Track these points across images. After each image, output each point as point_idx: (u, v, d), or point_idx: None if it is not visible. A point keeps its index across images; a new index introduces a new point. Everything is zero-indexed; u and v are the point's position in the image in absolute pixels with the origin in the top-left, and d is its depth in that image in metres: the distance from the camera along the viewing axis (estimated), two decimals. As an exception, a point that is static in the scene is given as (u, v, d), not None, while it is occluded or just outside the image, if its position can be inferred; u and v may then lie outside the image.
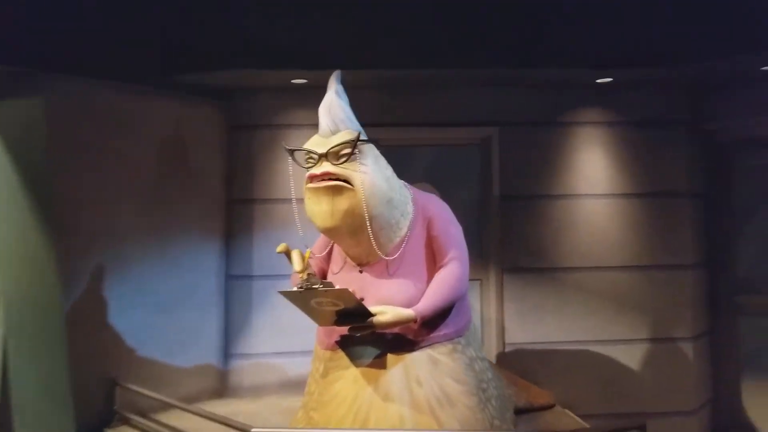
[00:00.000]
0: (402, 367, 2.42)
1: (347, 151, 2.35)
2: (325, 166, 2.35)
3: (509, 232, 4.08)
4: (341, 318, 2.33)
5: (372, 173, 2.38)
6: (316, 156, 2.39)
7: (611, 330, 4.13)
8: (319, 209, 2.34)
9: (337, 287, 2.27)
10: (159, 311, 3.60)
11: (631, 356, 4.16)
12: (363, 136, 2.39)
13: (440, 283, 2.48)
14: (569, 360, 4.10)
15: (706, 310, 4.39)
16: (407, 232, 2.48)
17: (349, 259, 2.56)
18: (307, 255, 2.40)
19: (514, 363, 3.98)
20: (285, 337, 3.90)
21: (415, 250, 2.51)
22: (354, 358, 2.48)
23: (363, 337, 2.40)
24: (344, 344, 2.50)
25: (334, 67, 3.50)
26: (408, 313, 2.34)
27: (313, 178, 2.37)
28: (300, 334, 3.75)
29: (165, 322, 3.62)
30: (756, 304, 4.31)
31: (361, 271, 2.51)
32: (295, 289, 2.32)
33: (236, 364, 3.94)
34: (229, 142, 4.06)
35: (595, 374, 4.10)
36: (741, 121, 4.24)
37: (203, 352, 3.84)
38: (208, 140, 3.97)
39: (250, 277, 3.94)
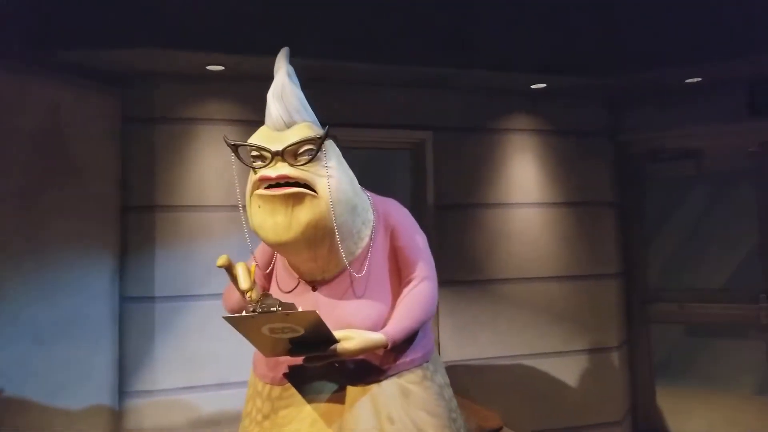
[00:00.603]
0: (369, 402, 2.01)
1: (307, 148, 1.90)
2: (282, 168, 1.88)
3: (444, 243, 3.81)
4: (297, 346, 1.89)
5: (338, 176, 1.96)
6: (269, 154, 1.91)
7: (544, 342, 4.02)
8: (273, 221, 1.87)
9: (300, 309, 1.82)
10: (37, 344, 2.88)
11: (563, 368, 4.08)
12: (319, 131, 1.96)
13: (411, 302, 2.09)
14: (504, 376, 3.92)
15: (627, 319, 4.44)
16: (369, 243, 2.08)
17: (299, 277, 2.10)
18: (252, 269, 1.92)
19: (451, 383, 3.69)
20: (195, 369, 3.32)
21: (378, 264, 2.12)
22: (309, 394, 2.03)
23: (320, 368, 1.96)
24: (295, 377, 2.04)
25: (257, 53, 3.05)
26: (378, 337, 1.94)
27: (263, 182, 1.89)
28: (214, 364, 3.23)
29: (45, 356, 2.91)
30: (665, 311, 4.42)
31: (314, 289, 2.06)
32: (245, 314, 1.82)
33: (134, 403, 3.27)
34: (123, 137, 3.39)
35: (531, 390, 3.96)
36: (652, 133, 4.35)
37: (94, 391, 3.14)
38: (97, 134, 3.27)
39: (152, 299, 3.29)
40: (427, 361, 2.17)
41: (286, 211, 1.85)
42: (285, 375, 2.05)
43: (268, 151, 1.89)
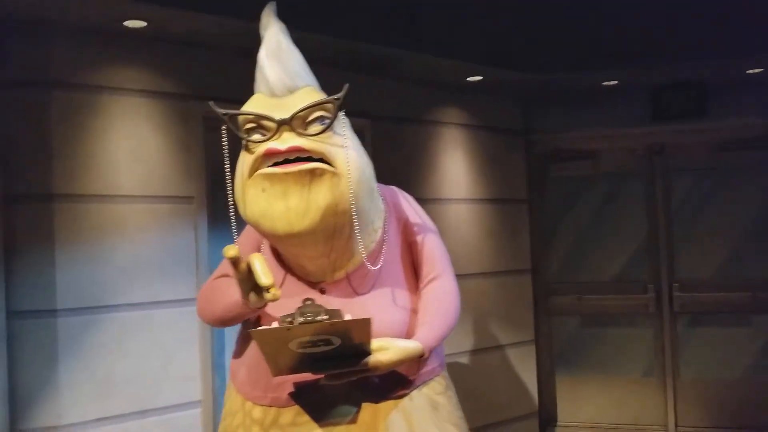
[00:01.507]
0: (403, 420, 1.73)
1: (319, 115, 1.58)
2: (292, 139, 1.54)
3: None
4: (319, 362, 1.54)
5: (355, 149, 1.65)
6: (272, 124, 1.55)
7: (467, 340, 3.96)
8: (285, 206, 1.52)
9: (348, 317, 1.49)
10: None
11: (482, 365, 4.06)
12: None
13: (440, 304, 1.84)
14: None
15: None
16: (382, 237, 1.79)
17: (291, 276, 1.75)
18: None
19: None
20: (110, 395, 2.70)
21: (394, 261, 1.85)
22: (331, 418, 1.69)
23: (340, 385, 1.62)
24: (306, 397, 1.69)
25: (194, 8, 2.53)
26: (414, 346, 1.65)
27: (269, 158, 1.53)
28: (133, 388, 2.68)
29: None
30: (564, 304, 4.63)
31: (322, 292, 1.72)
32: (281, 325, 1.45)
33: (30, 446, 2.57)
34: (3, 104, 2.64)
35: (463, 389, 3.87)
36: (557, 134, 4.53)
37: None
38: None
39: (52, 312, 2.60)
40: (443, 368, 1.95)
41: (302, 192, 1.51)
42: (291, 395, 1.69)
43: (272, 119, 1.54)
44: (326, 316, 1.45)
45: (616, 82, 4.06)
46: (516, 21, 3.62)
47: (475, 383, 3.93)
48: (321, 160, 1.54)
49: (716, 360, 4.40)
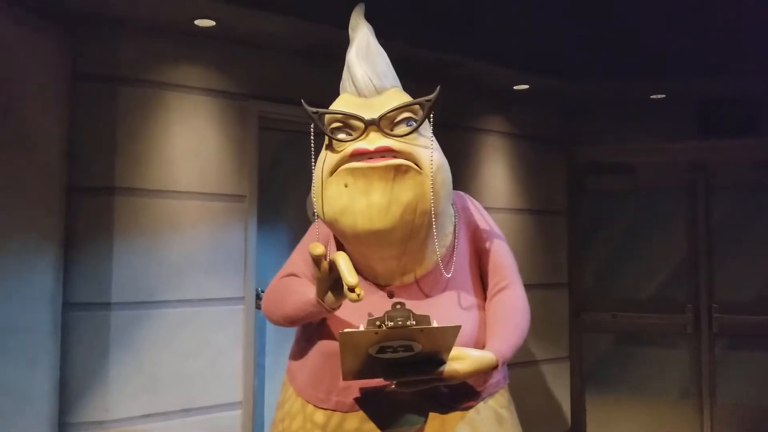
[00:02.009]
0: (469, 431, 1.69)
1: (406, 116, 1.59)
2: (380, 139, 1.55)
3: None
4: (393, 368, 1.52)
5: (439, 152, 1.66)
6: (360, 124, 1.56)
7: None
8: (367, 202, 1.52)
9: (436, 324, 1.46)
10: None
11: (517, 380, 3.99)
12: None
13: (512, 315, 1.81)
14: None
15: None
16: (453, 242, 1.78)
17: (361, 278, 1.73)
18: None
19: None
20: (157, 392, 2.70)
21: (463, 267, 1.83)
22: (398, 426, 1.66)
23: (411, 393, 1.60)
24: (371, 403, 1.67)
25: (265, 9, 2.53)
26: (489, 357, 1.62)
27: (358, 157, 1.54)
28: (179, 386, 2.67)
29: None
30: (598, 321, 4.57)
31: (391, 295, 1.70)
32: (368, 328, 1.43)
33: (79, 439, 2.57)
34: (73, 98, 2.67)
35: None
36: (598, 146, 4.50)
37: (27, 423, 2.38)
38: (36, 90, 2.52)
39: (106, 305, 2.61)
40: (507, 381, 1.93)
41: (385, 188, 1.51)
42: (357, 400, 1.66)
43: (360, 119, 1.55)
44: (414, 322, 1.43)
45: (663, 95, 4.03)
46: (565, 30, 3.62)
47: (514, 397, 3.89)
48: (411, 160, 1.54)
49: (755, 385, 4.31)
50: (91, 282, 2.59)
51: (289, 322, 1.77)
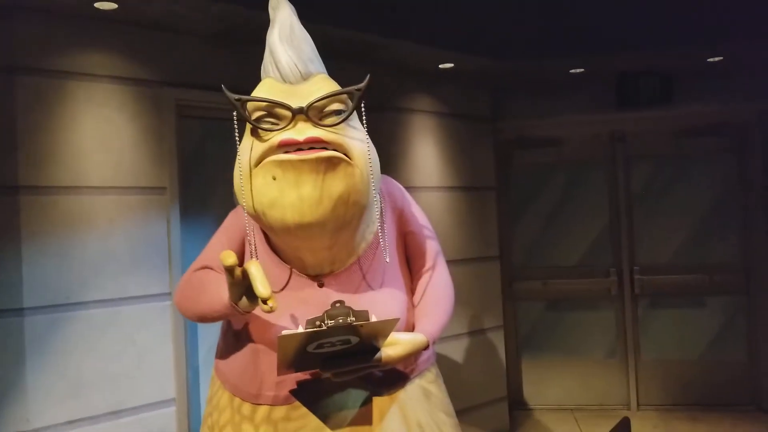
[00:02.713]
0: (398, 411, 1.73)
1: (336, 107, 1.54)
2: (309, 130, 1.49)
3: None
4: (330, 360, 1.52)
5: (370, 143, 1.63)
6: (287, 113, 1.51)
7: (448, 326, 3.97)
8: (297, 195, 1.47)
9: (375, 318, 1.47)
10: None
11: (456, 351, 4.09)
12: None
13: (438, 295, 1.85)
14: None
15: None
16: (378, 228, 1.77)
17: (294, 270, 1.70)
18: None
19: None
20: (81, 397, 2.59)
21: (390, 250, 1.83)
22: (329, 412, 1.66)
23: (348, 381, 1.62)
24: (306, 394, 1.66)
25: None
26: (420, 339, 1.66)
27: (286, 148, 1.48)
28: (105, 388, 2.58)
29: None
30: (530, 289, 4.72)
31: (321, 285, 1.69)
32: (308, 329, 1.41)
33: (-2, 453, 2.44)
34: (-35, 91, 2.47)
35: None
36: (523, 121, 4.59)
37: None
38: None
39: (19, 311, 2.46)
40: (434, 358, 1.96)
41: (316, 180, 1.46)
42: (293, 392, 1.65)
43: (288, 107, 1.49)
44: (354, 318, 1.42)
45: (582, 70, 4.12)
46: (487, 8, 3.62)
47: (446, 369, 3.95)
48: (341, 151, 1.50)
49: (676, 340, 4.58)
50: (1, 287, 2.43)
51: (200, 319, 1.71)
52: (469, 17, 3.58)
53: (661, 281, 4.57)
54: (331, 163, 1.47)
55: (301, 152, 1.46)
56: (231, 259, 1.40)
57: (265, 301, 1.37)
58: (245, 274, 1.42)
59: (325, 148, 1.47)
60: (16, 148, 2.47)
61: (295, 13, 1.65)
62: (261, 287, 1.37)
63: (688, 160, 4.55)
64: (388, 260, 1.71)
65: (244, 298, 1.48)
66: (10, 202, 2.46)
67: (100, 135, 2.66)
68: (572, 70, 4.11)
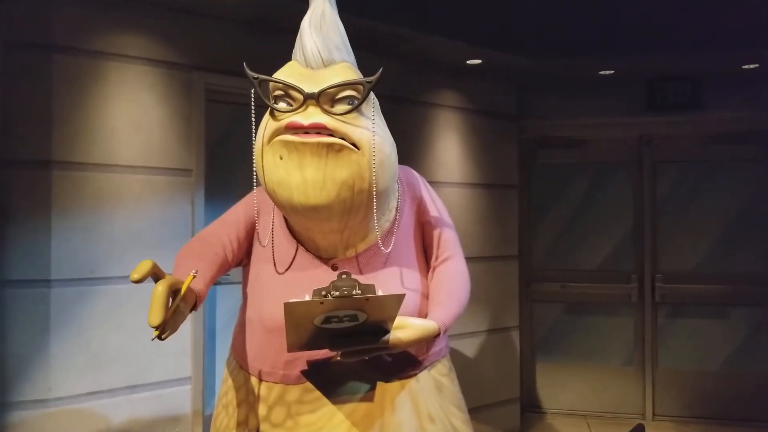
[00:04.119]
0: (409, 400, 1.74)
1: (348, 94, 1.57)
2: (316, 115, 1.53)
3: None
4: (339, 338, 1.53)
5: (382, 134, 1.65)
6: (300, 96, 1.54)
7: (457, 324, 3.97)
8: (301, 177, 1.51)
9: (381, 293, 1.48)
10: None
11: (469, 349, 4.09)
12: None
13: (453, 284, 1.85)
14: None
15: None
16: (396, 216, 1.79)
17: (304, 250, 1.72)
18: (188, 281, 1.50)
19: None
20: (101, 370, 2.66)
21: (405, 240, 1.85)
22: (341, 395, 1.69)
23: (355, 363, 1.63)
24: (317, 375, 1.69)
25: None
26: (432, 325, 1.66)
27: (292, 130, 1.52)
28: (124, 363, 2.65)
29: None
30: (548, 291, 4.69)
31: (334, 268, 1.71)
32: (314, 298, 1.43)
33: (22, 416, 2.52)
34: (5, 67, 2.54)
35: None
36: (547, 120, 4.56)
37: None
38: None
39: (46, 282, 2.54)
40: (448, 350, 1.97)
41: (319, 164, 1.50)
42: (303, 372, 1.68)
43: (300, 91, 1.53)
44: (360, 291, 1.43)
45: (612, 71, 4.09)
46: (517, 4, 3.62)
47: (459, 366, 3.95)
48: (343, 139, 1.52)
49: (695, 351, 4.51)
50: (30, 258, 2.51)
51: None
52: (500, 13, 3.58)
53: (683, 290, 4.51)
54: (332, 149, 1.50)
55: (306, 135, 1.50)
56: (136, 274, 1.40)
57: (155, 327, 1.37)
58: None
59: (331, 135, 1.51)
60: (51, 124, 2.55)
61: (332, 2, 1.68)
62: (151, 315, 1.38)
63: (716, 166, 4.48)
64: (388, 249, 1.72)
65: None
66: (43, 176, 2.54)
67: (131, 115, 2.73)
68: (602, 72, 4.08)
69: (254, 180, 1.62)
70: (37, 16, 2.55)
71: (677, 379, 4.53)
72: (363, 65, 1.65)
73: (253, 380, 1.74)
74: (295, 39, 1.64)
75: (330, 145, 1.50)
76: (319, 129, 1.50)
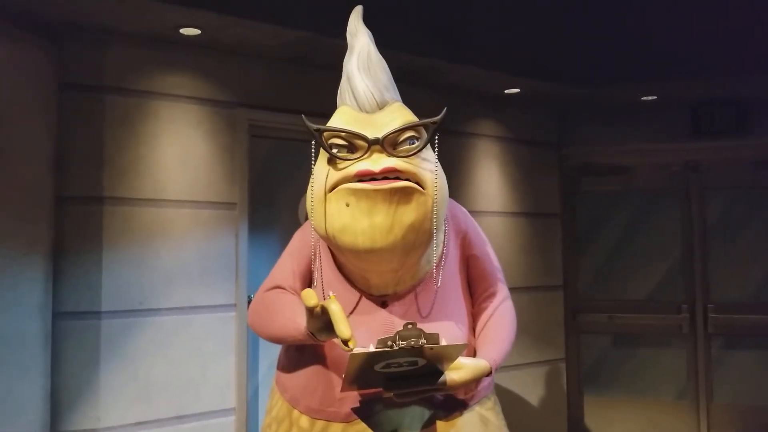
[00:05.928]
0: None
1: (409, 135, 1.58)
2: (384, 159, 1.53)
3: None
4: (394, 380, 1.53)
5: (441, 172, 1.66)
6: (363, 143, 1.54)
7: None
8: (369, 223, 1.51)
9: (445, 342, 1.48)
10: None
11: (515, 382, 4.00)
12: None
13: (502, 321, 1.85)
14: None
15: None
16: (443, 251, 1.77)
17: (363, 295, 1.72)
18: (332, 299, 1.50)
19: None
20: (149, 400, 2.71)
21: (452, 275, 1.84)
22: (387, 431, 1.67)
23: (409, 402, 1.63)
24: (367, 413, 1.68)
25: (250, 17, 2.54)
26: (484, 365, 1.65)
27: (362, 177, 1.52)
28: (171, 393, 2.67)
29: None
30: (595, 322, 4.56)
31: (384, 305, 1.70)
32: (379, 348, 1.43)
33: (71, 447, 2.58)
34: (60, 108, 2.68)
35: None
36: (589, 148, 4.50)
37: (19, 431, 2.40)
38: (23, 101, 2.53)
39: (97, 314, 2.62)
40: (493, 385, 1.94)
41: (389, 209, 1.50)
42: (355, 410, 1.67)
43: (364, 138, 1.53)
44: (425, 341, 1.44)
45: (654, 97, 4.03)
46: (556, 33, 3.63)
47: (504, 400, 3.88)
48: (416, 181, 1.54)
49: (750, 384, 4.30)
50: (81, 291, 2.60)
51: (275, 341, 1.77)
52: (537, 42, 3.60)
53: (737, 320, 4.32)
54: (404, 193, 1.51)
55: (376, 182, 1.51)
56: (312, 300, 1.43)
57: (346, 342, 1.37)
58: (324, 310, 1.44)
59: (398, 178, 1.52)
60: (102, 162, 2.66)
61: (373, 41, 1.70)
62: (343, 328, 1.38)
63: (765, 192, 4.33)
64: (437, 283, 1.71)
65: (325, 332, 1.50)
66: (95, 211, 2.65)
67: (178, 152, 2.82)
68: (644, 98, 4.02)
69: (311, 230, 1.61)
70: (90, 59, 2.69)
71: (734, 415, 4.32)
72: (403, 98, 1.67)
73: (295, 413, 1.74)
74: (331, 74, 1.66)
75: (402, 190, 1.50)
76: (390, 173, 1.51)
